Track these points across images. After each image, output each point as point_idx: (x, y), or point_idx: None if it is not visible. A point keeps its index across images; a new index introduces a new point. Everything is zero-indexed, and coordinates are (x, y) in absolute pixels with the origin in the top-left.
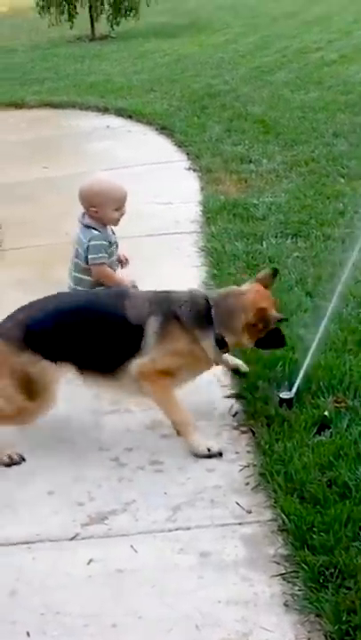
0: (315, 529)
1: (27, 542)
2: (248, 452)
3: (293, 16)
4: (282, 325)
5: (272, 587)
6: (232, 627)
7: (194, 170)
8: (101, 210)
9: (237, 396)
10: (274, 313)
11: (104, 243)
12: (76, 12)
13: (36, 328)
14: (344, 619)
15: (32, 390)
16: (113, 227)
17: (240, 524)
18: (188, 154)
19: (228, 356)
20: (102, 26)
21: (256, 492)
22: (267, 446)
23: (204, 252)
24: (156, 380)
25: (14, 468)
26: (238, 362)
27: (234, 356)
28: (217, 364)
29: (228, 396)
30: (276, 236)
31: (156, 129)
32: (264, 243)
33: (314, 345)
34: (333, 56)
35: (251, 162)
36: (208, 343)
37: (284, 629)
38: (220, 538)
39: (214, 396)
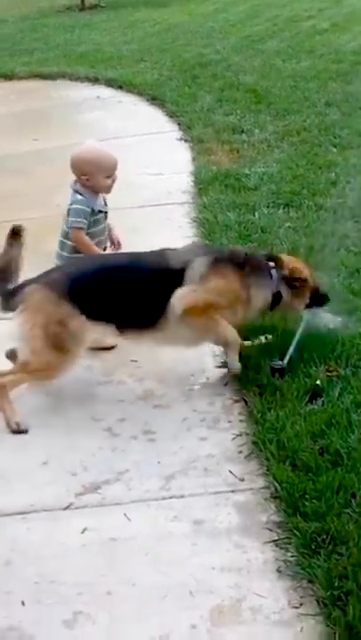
0: (307, 496)
1: (21, 512)
2: (241, 420)
3: None
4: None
5: (265, 553)
6: (226, 593)
7: (185, 140)
8: (93, 178)
9: None
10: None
11: (85, 208)
12: None
13: (80, 283)
14: (336, 584)
15: (62, 344)
16: (105, 195)
17: (233, 491)
18: (179, 124)
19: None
20: None
21: (249, 461)
22: (259, 415)
23: (195, 223)
24: (202, 311)
25: (9, 438)
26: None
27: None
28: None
29: (221, 366)
30: (268, 207)
31: (147, 99)
32: (256, 213)
33: (306, 315)
34: (325, 24)
35: (243, 132)
36: (261, 293)
37: (277, 595)
38: (214, 505)
39: (207, 366)
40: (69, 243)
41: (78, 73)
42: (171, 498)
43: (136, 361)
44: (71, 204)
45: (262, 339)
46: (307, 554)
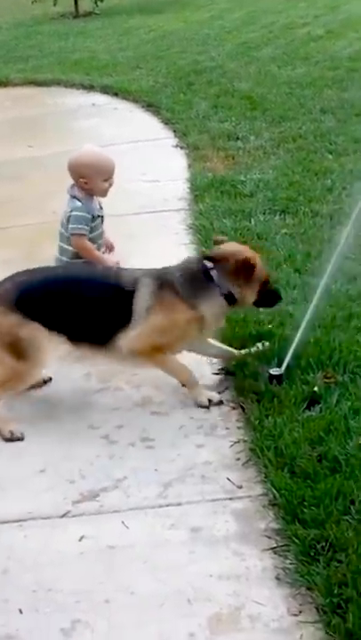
0: (305, 503)
1: (18, 520)
2: (238, 427)
3: None
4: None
5: (263, 560)
6: (224, 601)
7: (181, 147)
8: (91, 181)
9: (227, 373)
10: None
11: (86, 215)
12: None
13: (28, 293)
14: (335, 592)
15: (21, 353)
16: (101, 199)
17: (231, 499)
18: (174, 131)
19: (215, 343)
20: (86, 2)
21: (247, 468)
22: (257, 422)
23: (192, 230)
24: (150, 355)
25: (6, 446)
26: (227, 348)
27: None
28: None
29: (218, 373)
30: (264, 213)
31: (143, 106)
32: (252, 220)
33: (304, 322)
34: (320, 31)
35: (238, 138)
36: (210, 305)
37: (276, 603)
38: (212, 513)
39: (204, 373)
40: (70, 248)
41: (73, 80)
42: (168, 505)
43: None
44: (71, 211)
45: (259, 346)
46: (306, 561)
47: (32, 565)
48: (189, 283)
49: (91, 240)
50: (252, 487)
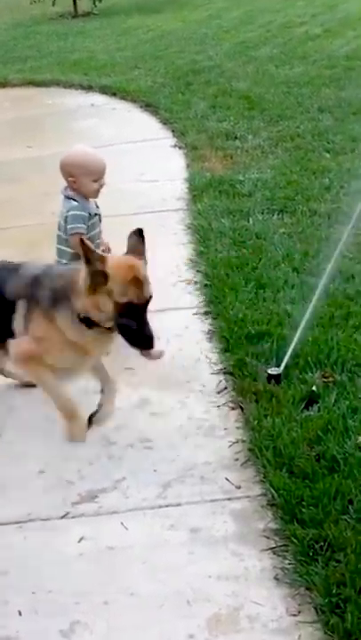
0: (304, 503)
1: (17, 522)
2: (237, 428)
3: None
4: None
5: (262, 561)
6: (223, 601)
7: (179, 147)
8: (79, 180)
9: (225, 373)
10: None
11: (83, 214)
12: None
13: None
14: (334, 591)
15: None
16: (94, 199)
17: (230, 499)
18: (173, 131)
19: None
20: (84, 2)
21: (245, 468)
22: (255, 422)
23: (190, 230)
24: (27, 364)
25: (5, 447)
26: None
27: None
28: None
29: (216, 373)
30: (262, 213)
31: (141, 106)
32: (250, 219)
33: (303, 321)
34: (318, 30)
35: (236, 138)
36: (66, 322)
37: (275, 603)
38: (210, 513)
39: (202, 373)
40: (68, 250)
41: (72, 80)
42: (167, 506)
43: (132, 369)
44: (68, 211)
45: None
46: (304, 561)
47: (31, 567)
48: (50, 293)
49: (89, 239)
50: (251, 487)
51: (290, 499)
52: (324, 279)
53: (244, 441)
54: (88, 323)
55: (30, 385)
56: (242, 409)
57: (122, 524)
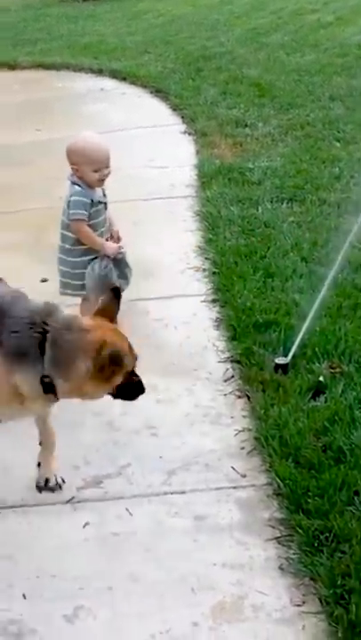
0: (310, 493)
1: (22, 506)
2: (243, 416)
3: None
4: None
5: (267, 550)
6: (227, 589)
7: (189, 133)
8: (80, 169)
9: (232, 361)
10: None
11: (85, 200)
12: None
13: None
14: (339, 582)
15: None
16: (99, 187)
17: (235, 487)
18: (183, 117)
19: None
20: None
21: (251, 457)
22: (262, 411)
23: (199, 217)
24: None
25: (10, 432)
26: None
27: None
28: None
29: (224, 361)
30: (271, 201)
31: (151, 92)
32: (259, 207)
33: (311, 311)
34: (329, 18)
35: (246, 125)
36: (26, 381)
37: (279, 592)
38: (215, 502)
39: (209, 361)
40: (71, 235)
41: (82, 64)
42: (172, 493)
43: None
44: (70, 196)
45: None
46: (309, 551)
47: (36, 551)
48: (17, 344)
49: (92, 227)
50: (257, 476)
51: (295, 489)
52: (333, 269)
53: (250, 430)
54: (48, 389)
55: None
56: (248, 398)
57: (127, 509)
